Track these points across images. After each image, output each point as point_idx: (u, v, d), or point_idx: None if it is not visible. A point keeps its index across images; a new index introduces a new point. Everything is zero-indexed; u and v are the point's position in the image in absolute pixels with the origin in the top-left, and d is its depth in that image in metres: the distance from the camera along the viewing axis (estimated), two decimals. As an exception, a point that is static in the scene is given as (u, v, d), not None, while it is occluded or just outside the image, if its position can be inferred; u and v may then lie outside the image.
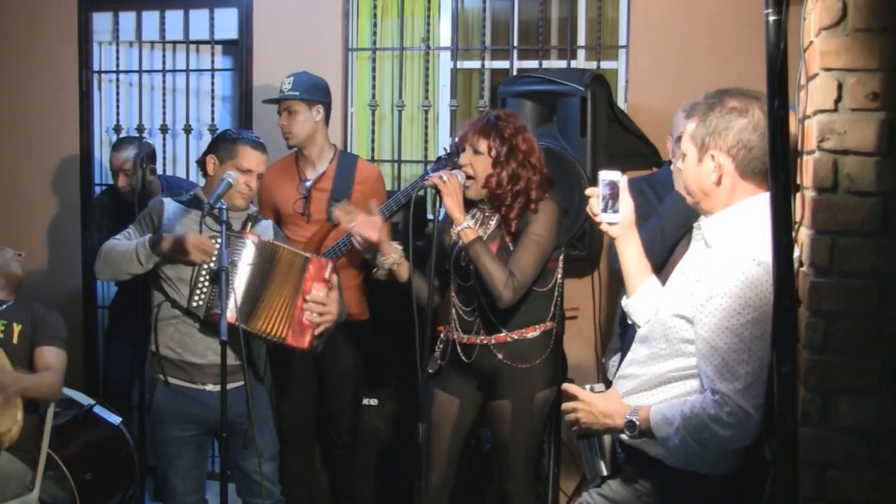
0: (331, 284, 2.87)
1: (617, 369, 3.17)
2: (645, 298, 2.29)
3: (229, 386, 2.63)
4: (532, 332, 2.84)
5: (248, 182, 2.92)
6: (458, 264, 2.89)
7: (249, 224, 2.96)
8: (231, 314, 2.71)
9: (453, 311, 2.92)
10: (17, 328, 3.22)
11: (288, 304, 2.82)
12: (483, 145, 2.77)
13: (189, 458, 2.92)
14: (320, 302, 2.84)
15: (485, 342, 2.84)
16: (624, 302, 2.35)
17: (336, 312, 2.89)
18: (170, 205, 2.96)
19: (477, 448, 3.42)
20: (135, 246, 2.81)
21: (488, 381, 2.89)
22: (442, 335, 2.97)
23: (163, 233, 2.85)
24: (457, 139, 2.90)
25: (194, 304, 2.81)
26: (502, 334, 2.83)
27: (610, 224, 2.26)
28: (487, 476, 3.43)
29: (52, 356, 3.23)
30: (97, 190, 4.47)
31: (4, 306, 3.28)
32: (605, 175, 2.26)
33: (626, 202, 2.26)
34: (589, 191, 2.30)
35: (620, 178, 2.25)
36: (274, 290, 2.83)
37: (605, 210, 2.24)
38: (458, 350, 2.90)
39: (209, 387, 2.85)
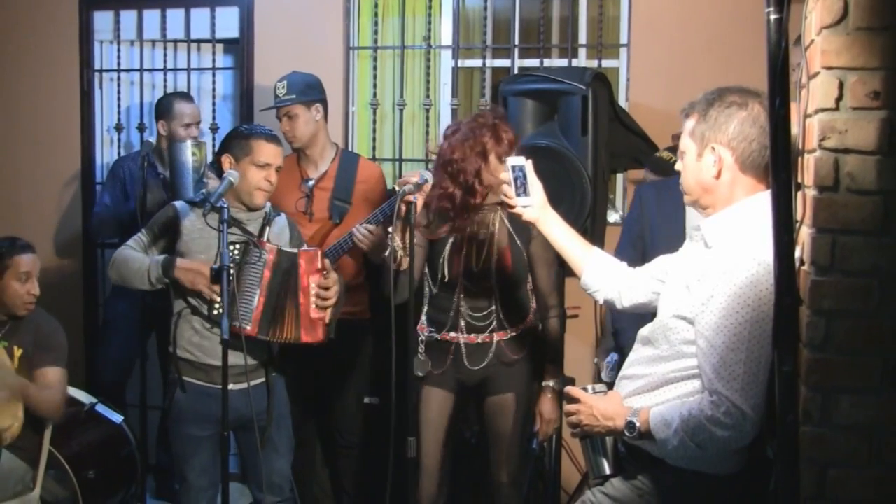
0: (325, 271, 2.86)
1: (612, 370, 3.19)
2: (598, 272, 2.32)
3: (250, 383, 2.77)
4: (526, 325, 3.01)
5: (267, 177, 2.89)
6: (469, 270, 2.92)
7: (267, 228, 2.94)
8: (251, 327, 2.77)
9: (459, 314, 2.95)
10: (17, 352, 3.15)
11: (293, 305, 2.83)
12: None
13: (206, 455, 2.94)
14: (323, 293, 2.83)
15: (500, 338, 2.95)
16: (581, 283, 2.37)
17: (337, 294, 2.88)
18: (183, 210, 2.94)
19: (477, 445, 3.42)
20: (147, 266, 2.83)
21: (486, 378, 2.96)
22: (436, 337, 2.99)
23: (176, 256, 2.85)
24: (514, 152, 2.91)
25: (215, 312, 2.82)
26: (512, 329, 2.96)
27: (524, 207, 2.32)
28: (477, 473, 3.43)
29: (52, 377, 3.19)
30: (98, 189, 4.47)
31: (6, 328, 3.19)
32: (513, 161, 2.33)
33: (536, 185, 2.33)
34: (502, 176, 2.35)
35: (526, 163, 2.32)
36: (287, 297, 2.84)
37: (518, 194, 2.32)
38: (463, 351, 2.96)
39: (230, 386, 2.85)
